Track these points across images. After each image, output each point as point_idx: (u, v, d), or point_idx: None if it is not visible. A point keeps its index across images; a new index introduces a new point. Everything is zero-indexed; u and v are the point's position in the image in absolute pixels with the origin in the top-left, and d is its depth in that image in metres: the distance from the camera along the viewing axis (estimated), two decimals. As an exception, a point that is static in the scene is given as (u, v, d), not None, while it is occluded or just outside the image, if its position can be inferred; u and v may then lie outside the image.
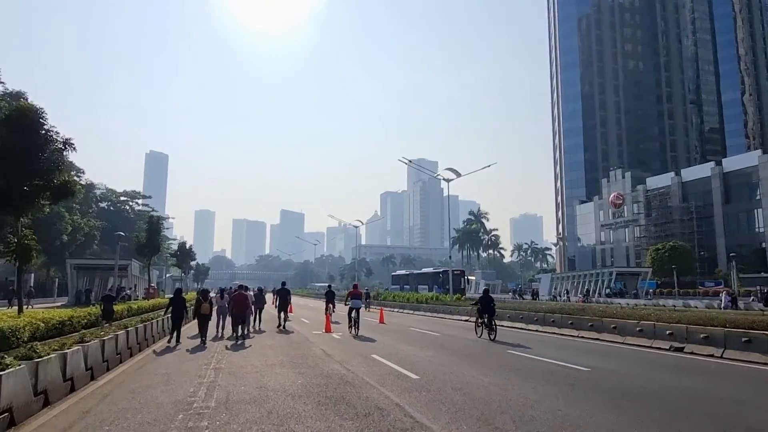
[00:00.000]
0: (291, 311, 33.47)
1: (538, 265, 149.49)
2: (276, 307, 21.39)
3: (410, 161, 39.89)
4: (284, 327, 20.23)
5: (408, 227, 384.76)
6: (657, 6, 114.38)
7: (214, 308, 17.84)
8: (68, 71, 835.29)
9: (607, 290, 59.82)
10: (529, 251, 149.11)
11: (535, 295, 57.79)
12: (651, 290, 58.82)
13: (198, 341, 15.79)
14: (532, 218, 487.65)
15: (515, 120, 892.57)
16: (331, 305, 24.04)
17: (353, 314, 18.40)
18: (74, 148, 17.15)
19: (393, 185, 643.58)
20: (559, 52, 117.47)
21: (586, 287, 62.55)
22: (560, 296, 55.52)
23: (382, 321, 24.23)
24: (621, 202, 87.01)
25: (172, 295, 17.52)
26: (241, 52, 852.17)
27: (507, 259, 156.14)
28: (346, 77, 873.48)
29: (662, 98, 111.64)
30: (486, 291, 17.54)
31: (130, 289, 37.60)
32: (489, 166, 41.19)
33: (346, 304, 19.46)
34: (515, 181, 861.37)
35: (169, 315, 15.95)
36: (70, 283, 44.47)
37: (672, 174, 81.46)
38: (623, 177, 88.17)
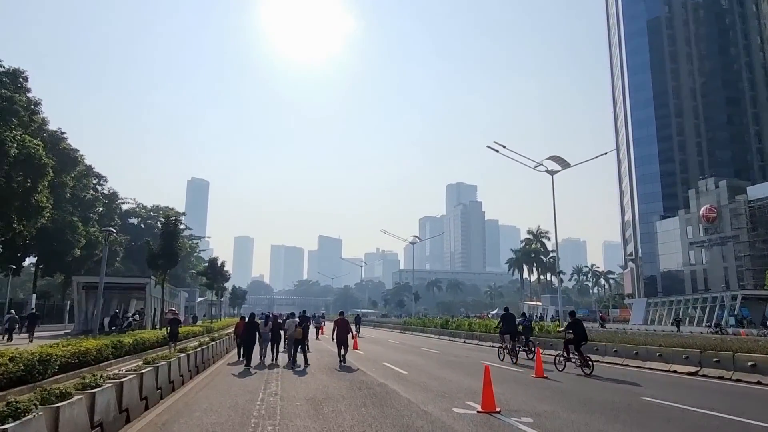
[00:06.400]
0: (356, 347, 24.24)
1: (595, 291, 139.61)
2: (334, 340, 18.29)
3: (503, 146, 30.38)
4: (344, 363, 17.80)
5: (449, 252, 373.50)
6: (734, 1, 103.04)
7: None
8: (110, 100, 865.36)
9: (732, 318, 48.51)
10: (589, 275, 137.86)
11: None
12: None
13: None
14: (575, 243, 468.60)
15: (558, 139, 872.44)
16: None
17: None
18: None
19: (431, 210, 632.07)
20: (625, 55, 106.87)
21: (693, 314, 51.34)
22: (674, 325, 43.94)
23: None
24: (715, 215, 74.85)
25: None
26: (278, 80, 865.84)
27: (564, 284, 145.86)
28: (382, 102, 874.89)
29: (745, 101, 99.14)
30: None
31: (136, 315, 28.70)
32: (605, 153, 31.99)
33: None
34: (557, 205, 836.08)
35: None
36: (76, 307, 36.38)
37: (782, 181, 69.27)
38: (716, 187, 76.08)
